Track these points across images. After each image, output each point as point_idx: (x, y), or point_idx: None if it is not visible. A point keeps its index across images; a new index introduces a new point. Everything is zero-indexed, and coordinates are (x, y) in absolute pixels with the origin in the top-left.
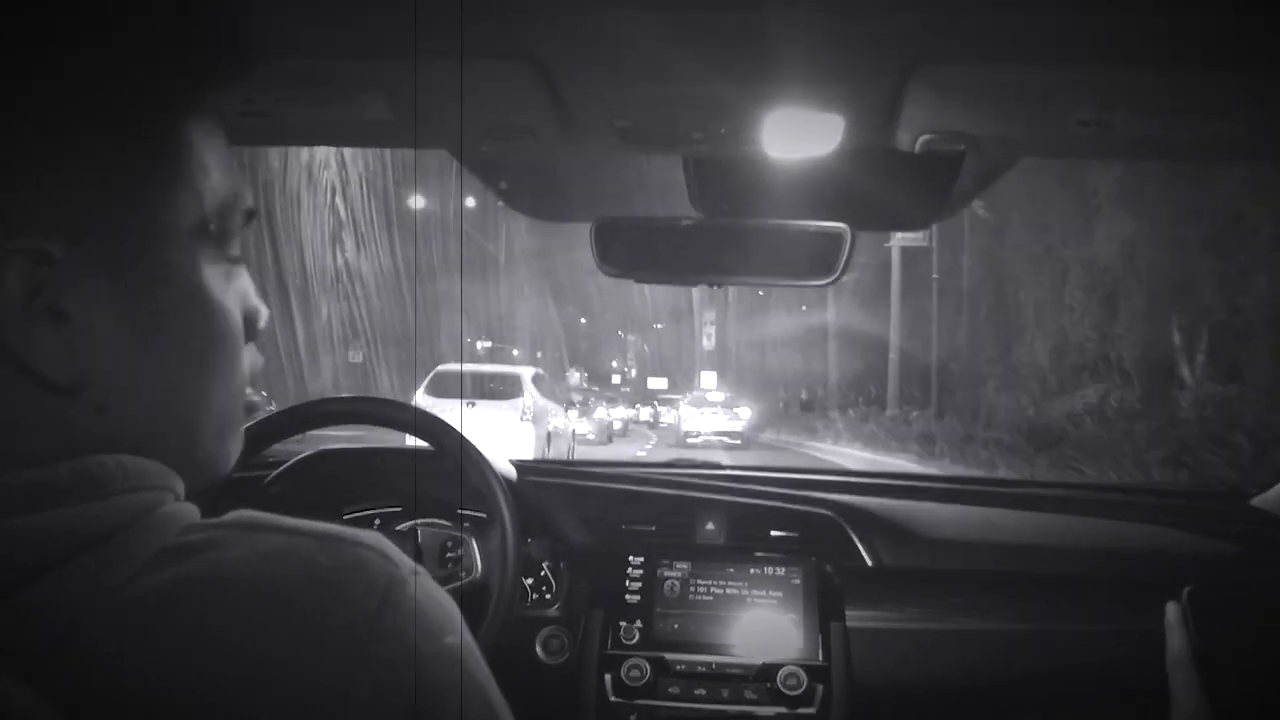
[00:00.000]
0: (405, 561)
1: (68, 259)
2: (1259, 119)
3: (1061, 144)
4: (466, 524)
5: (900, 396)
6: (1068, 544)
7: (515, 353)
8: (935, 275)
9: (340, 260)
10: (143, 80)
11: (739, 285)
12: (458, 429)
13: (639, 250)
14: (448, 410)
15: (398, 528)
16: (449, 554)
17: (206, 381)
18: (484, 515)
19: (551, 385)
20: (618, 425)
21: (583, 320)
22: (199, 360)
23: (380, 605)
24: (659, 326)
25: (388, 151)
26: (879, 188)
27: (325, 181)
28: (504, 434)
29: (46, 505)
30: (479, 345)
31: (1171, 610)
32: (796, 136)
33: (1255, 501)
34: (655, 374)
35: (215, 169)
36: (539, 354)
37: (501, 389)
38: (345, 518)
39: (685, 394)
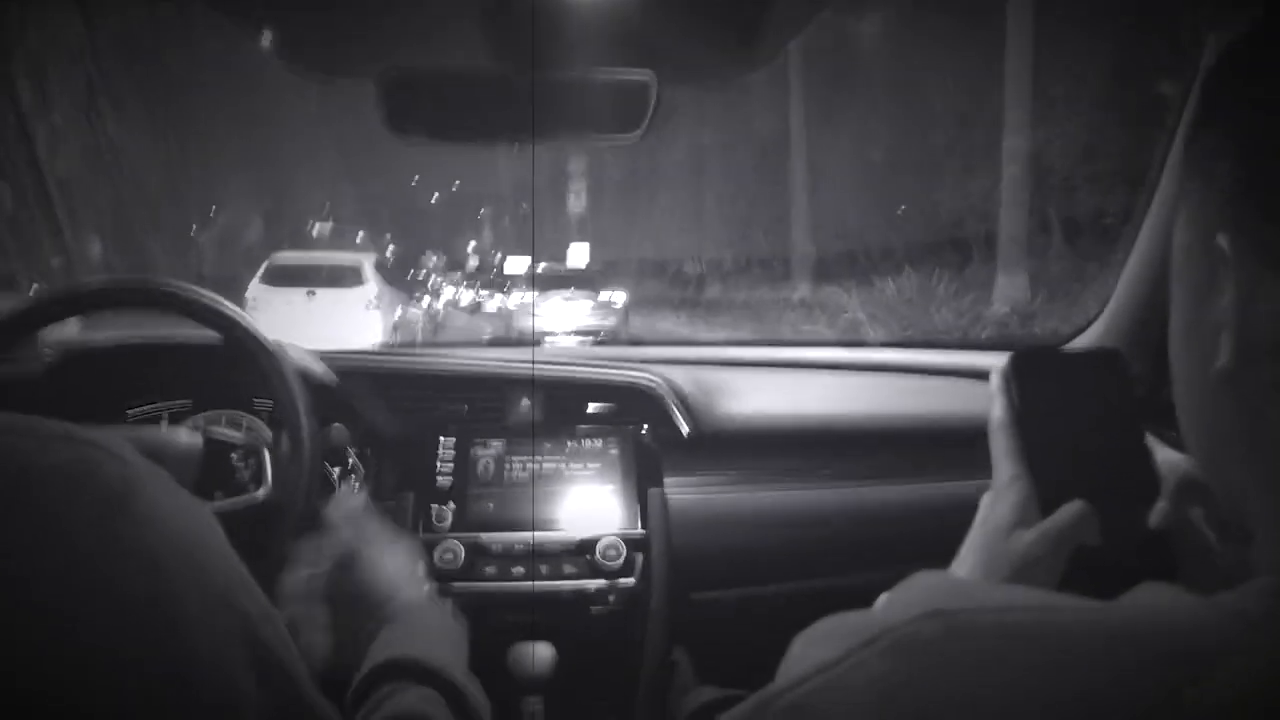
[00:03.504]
0: (143, 463)
1: None
2: None
3: None
4: (263, 416)
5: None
6: (884, 405)
7: (360, 234)
8: None
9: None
10: None
11: (540, 143)
12: (243, 313)
13: (431, 107)
14: (288, 300)
15: (186, 424)
16: (238, 463)
17: None
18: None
19: (394, 272)
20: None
21: (435, 195)
22: None
23: (110, 512)
24: (525, 208)
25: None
26: (688, 32)
27: (68, 41)
28: (350, 322)
29: None
30: (317, 228)
31: (995, 376)
32: None
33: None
34: (521, 255)
35: None
36: (388, 235)
37: (342, 277)
38: (131, 414)
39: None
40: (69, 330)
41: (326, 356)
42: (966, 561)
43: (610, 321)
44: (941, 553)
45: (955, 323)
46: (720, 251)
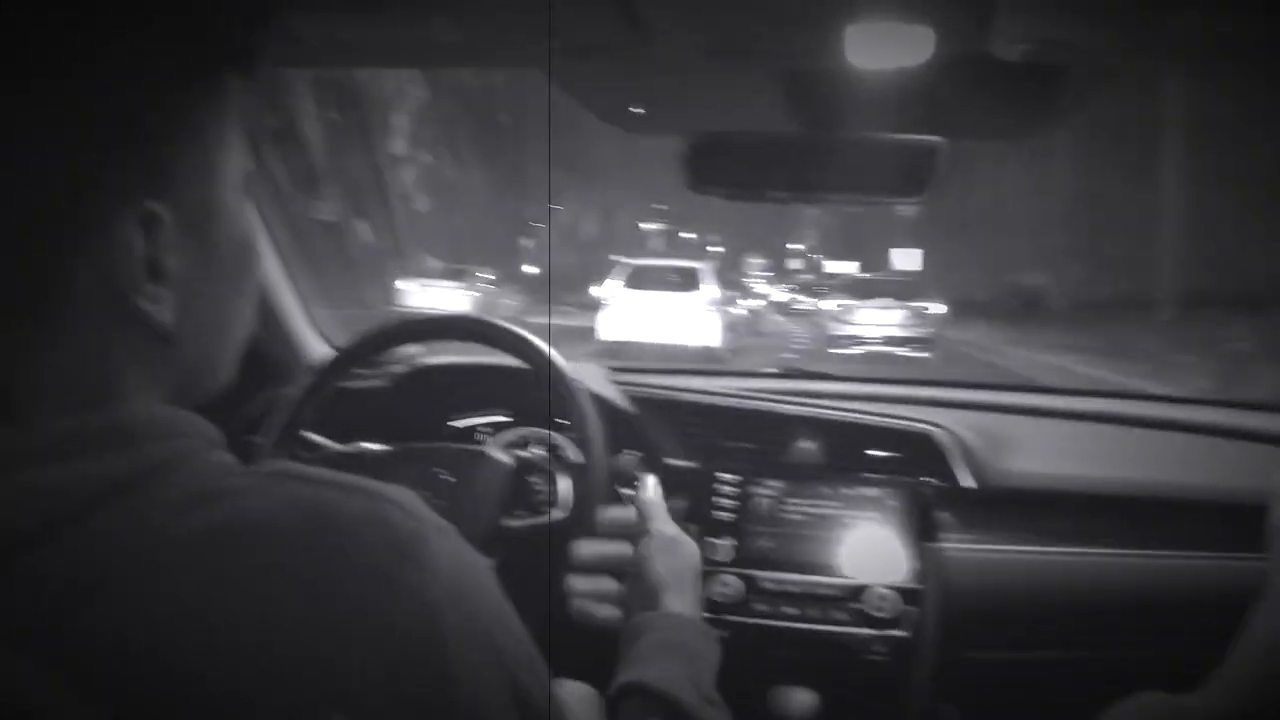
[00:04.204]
0: (430, 517)
1: (169, 217)
2: None
3: (1161, 49)
4: (557, 447)
5: None
6: (1182, 467)
7: (690, 236)
8: None
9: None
10: (193, 44)
11: (830, 203)
12: (546, 346)
13: (729, 168)
14: (639, 301)
15: (499, 440)
16: (539, 484)
17: (249, 317)
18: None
19: (721, 273)
20: None
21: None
22: (248, 298)
23: (399, 561)
24: (848, 209)
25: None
26: (975, 99)
27: (410, 105)
28: (691, 323)
29: (75, 455)
30: (648, 228)
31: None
32: (886, 47)
33: None
34: (839, 258)
35: (253, 122)
36: (716, 237)
37: (685, 281)
38: (450, 424)
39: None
40: (414, 349)
41: (622, 384)
42: (1230, 669)
43: (925, 333)
44: (1225, 635)
45: None
46: (1069, 262)
